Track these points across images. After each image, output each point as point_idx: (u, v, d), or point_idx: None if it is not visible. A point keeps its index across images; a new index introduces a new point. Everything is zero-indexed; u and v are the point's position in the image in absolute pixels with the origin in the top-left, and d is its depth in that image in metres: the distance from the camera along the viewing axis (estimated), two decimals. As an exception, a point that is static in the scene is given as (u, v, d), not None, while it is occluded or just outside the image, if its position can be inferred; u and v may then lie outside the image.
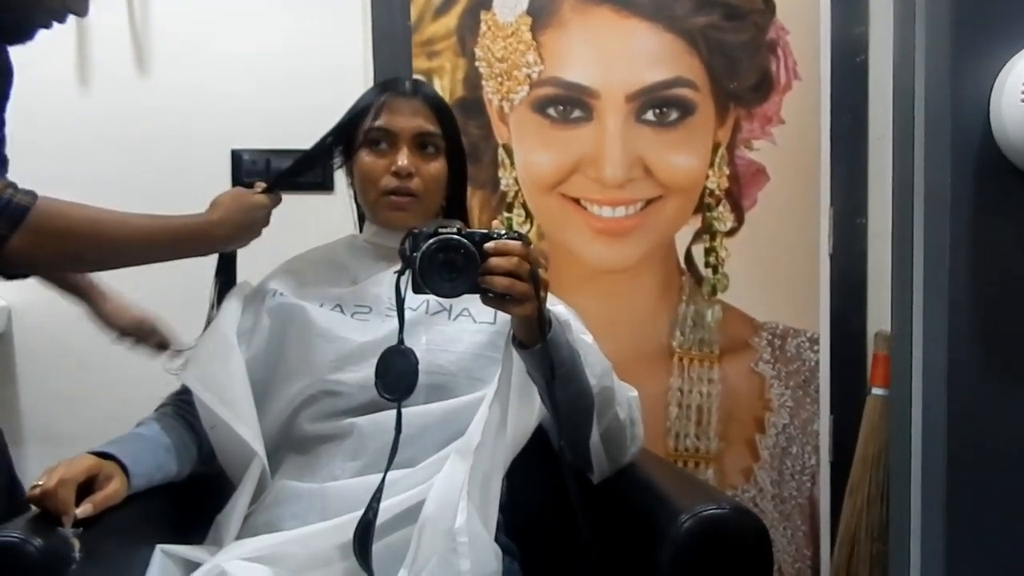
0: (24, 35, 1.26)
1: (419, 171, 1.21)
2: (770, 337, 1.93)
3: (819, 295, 1.93)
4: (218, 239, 1.19)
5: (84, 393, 1.78)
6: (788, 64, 1.92)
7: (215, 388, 1.13)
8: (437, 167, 1.22)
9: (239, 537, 1.08)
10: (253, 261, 1.29)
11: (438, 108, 1.24)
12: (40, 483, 0.96)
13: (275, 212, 1.60)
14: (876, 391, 1.82)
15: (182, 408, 1.19)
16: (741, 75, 1.91)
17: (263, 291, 1.24)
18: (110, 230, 1.12)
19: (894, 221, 1.29)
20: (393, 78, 1.32)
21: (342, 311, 1.19)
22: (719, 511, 1.02)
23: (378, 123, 1.21)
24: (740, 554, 1.03)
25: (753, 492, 1.93)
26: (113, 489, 1.01)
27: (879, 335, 1.85)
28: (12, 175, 1.88)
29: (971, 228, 1.16)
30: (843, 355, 1.94)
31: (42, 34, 1.78)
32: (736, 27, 1.90)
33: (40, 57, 1.79)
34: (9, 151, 1.78)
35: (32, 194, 1.08)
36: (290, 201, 1.30)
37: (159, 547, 1.05)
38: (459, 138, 1.27)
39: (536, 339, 1.02)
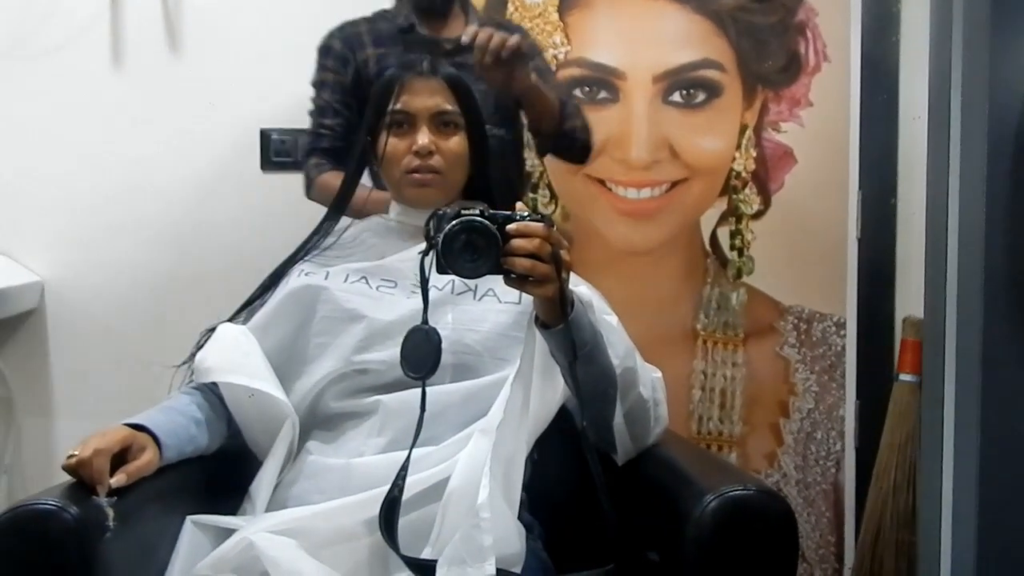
0: None
1: (439, 148, 1.22)
2: (796, 321, 1.92)
3: (846, 279, 1.92)
4: None
5: (115, 367, 1.81)
6: (817, 46, 1.90)
7: (237, 369, 1.15)
8: (457, 143, 1.23)
9: (267, 511, 1.10)
10: (289, 239, 1.30)
11: (456, 86, 1.25)
12: (75, 453, 0.98)
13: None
14: (904, 377, 1.80)
15: (210, 385, 1.20)
16: (769, 57, 1.89)
17: (288, 272, 1.26)
18: None
19: (928, 204, 1.27)
20: (411, 58, 1.32)
21: (367, 283, 1.20)
22: (745, 492, 1.01)
23: (397, 105, 1.23)
24: (765, 535, 1.02)
25: (777, 477, 1.93)
26: (146, 460, 1.02)
27: (907, 320, 1.83)
28: (48, 150, 1.94)
29: (1007, 211, 1.14)
30: (870, 340, 1.93)
31: (76, 16, 1.82)
32: (765, 8, 1.88)
33: (75, 38, 1.82)
34: (44, 130, 1.82)
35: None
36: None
37: (189, 518, 1.07)
38: (479, 115, 1.27)
39: (558, 320, 1.02)
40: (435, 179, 1.22)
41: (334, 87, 1.56)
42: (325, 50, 1.58)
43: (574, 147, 1.59)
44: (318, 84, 1.59)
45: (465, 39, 1.28)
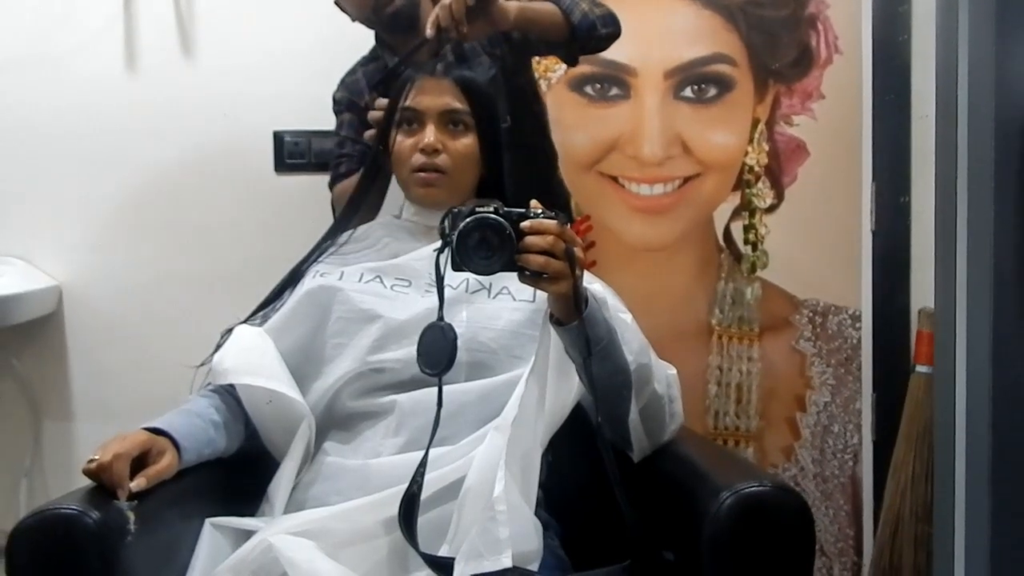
0: None
1: (447, 148, 1.23)
2: (811, 314, 1.92)
3: (861, 272, 1.91)
4: None
5: (133, 370, 1.83)
6: (829, 39, 1.89)
7: (255, 371, 1.16)
8: (466, 143, 1.24)
9: (285, 512, 1.10)
10: (303, 240, 1.32)
11: (468, 86, 1.25)
12: (96, 457, 0.99)
13: (322, 193, 1.62)
14: (920, 369, 1.79)
15: (227, 387, 1.21)
16: (781, 51, 1.88)
17: (303, 272, 1.26)
18: None
19: (937, 198, 1.27)
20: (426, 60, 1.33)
21: (382, 282, 1.21)
22: (761, 488, 1.01)
23: (407, 103, 1.24)
24: (782, 532, 1.02)
25: (794, 471, 1.93)
26: (165, 463, 1.04)
27: (923, 312, 1.82)
28: (64, 155, 1.95)
29: (1015, 205, 1.14)
30: (886, 333, 1.91)
31: (91, 20, 1.84)
32: (776, 2, 1.87)
33: (89, 43, 1.84)
34: (59, 135, 1.83)
35: None
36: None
37: (208, 521, 1.08)
38: (493, 115, 1.28)
39: (572, 316, 1.03)
40: (440, 179, 1.23)
41: (349, 124, 1.59)
42: (335, 101, 1.62)
43: (595, 32, 1.46)
44: (337, 127, 1.62)
45: (430, 32, 1.25)
